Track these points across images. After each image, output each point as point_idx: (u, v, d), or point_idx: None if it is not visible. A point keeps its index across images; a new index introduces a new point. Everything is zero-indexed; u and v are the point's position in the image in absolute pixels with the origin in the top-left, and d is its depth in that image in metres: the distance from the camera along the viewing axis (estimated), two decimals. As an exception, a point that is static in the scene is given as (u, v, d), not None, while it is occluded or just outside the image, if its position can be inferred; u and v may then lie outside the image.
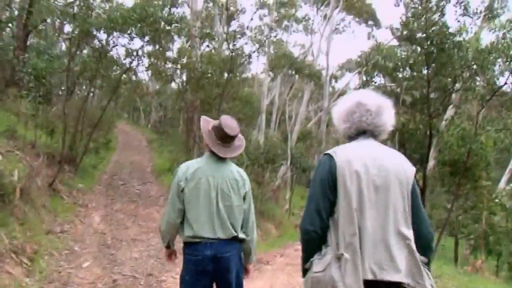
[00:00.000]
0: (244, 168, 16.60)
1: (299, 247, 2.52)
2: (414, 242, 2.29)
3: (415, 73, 11.72)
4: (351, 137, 2.50)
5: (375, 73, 15.50)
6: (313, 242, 2.35)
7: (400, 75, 12.06)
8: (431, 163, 19.71)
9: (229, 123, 3.32)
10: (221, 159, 3.31)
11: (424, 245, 2.33)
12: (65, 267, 7.18)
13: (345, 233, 2.23)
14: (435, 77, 11.39)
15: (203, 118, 3.53)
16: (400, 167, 2.34)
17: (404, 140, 12.27)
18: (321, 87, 29.25)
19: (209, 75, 14.24)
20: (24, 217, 8.01)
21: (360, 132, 2.46)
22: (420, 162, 23.44)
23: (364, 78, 16.12)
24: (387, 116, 2.47)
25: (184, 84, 16.89)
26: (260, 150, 16.87)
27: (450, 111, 14.24)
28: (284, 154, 21.11)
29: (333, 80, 37.25)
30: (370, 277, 2.18)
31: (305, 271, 2.43)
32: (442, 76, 11.36)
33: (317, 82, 24.77)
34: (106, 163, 18.27)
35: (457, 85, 11.67)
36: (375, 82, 12.96)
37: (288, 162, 21.25)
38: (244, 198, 3.33)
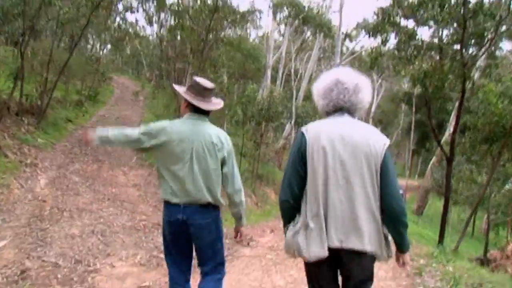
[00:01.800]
0: (240, 126, 14.65)
1: None
2: (383, 215, 2.45)
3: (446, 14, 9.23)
4: (328, 113, 2.62)
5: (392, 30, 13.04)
6: (287, 211, 2.58)
7: (425, 15, 9.62)
8: (451, 127, 17.53)
9: (202, 79, 3.30)
10: (200, 120, 3.21)
11: (392, 219, 2.46)
12: (-30, 247, 5.38)
13: (312, 204, 2.44)
14: (474, 17, 8.97)
15: (175, 86, 3.52)
16: (369, 142, 2.43)
17: (428, 97, 9.89)
18: (334, 46, 26.89)
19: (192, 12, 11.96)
20: None
21: (337, 109, 2.58)
22: (438, 127, 21.22)
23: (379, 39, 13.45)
24: (364, 94, 2.59)
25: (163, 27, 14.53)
26: (258, 107, 14.77)
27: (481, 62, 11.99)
28: (288, 113, 19.08)
29: (348, 40, 34.62)
30: (336, 244, 2.39)
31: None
32: (483, 15, 8.97)
33: (327, 34, 22.26)
34: (89, 117, 16.39)
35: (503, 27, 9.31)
36: (397, 23, 10.40)
37: (293, 121, 19.21)
38: (224, 162, 3.19)
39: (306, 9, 20.07)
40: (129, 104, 22.20)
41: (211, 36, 12.43)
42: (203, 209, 3.15)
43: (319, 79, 2.70)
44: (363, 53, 33.82)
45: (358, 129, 2.49)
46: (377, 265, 2.60)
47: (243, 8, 24.10)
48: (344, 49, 33.60)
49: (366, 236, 2.39)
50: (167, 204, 3.22)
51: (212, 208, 3.19)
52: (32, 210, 6.85)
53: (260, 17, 36.97)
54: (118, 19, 19.43)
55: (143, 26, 35.52)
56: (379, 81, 35.59)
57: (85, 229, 6.42)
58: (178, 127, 3.16)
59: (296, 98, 21.20)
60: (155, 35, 28.54)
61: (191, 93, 3.19)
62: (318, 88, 2.64)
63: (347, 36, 33.57)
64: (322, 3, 27.45)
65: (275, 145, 21.44)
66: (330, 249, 2.38)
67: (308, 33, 30.89)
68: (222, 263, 3.42)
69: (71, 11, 10.72)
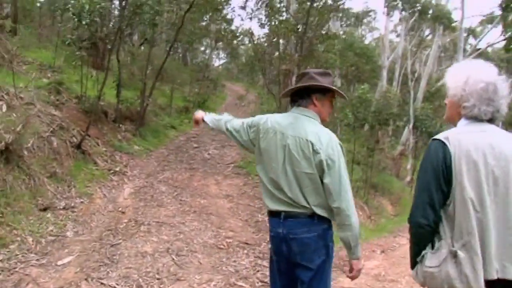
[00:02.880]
0: (352, 130, 13.32)
1: None
2: None
3: None
4: (470, 118, 2.20)
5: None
6: (426, 236, 2.17)
7: None
8: None
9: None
10: (304, 116, 2.68)
11: None
12: (32, 262, 4.86)
13: (462, 229, 2.07)
14: None
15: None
16: None
17: None
18: (455, 44, 24.40)
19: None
20: (3, 185, 5.82)
21: (493, 118, 2.21)
22: None
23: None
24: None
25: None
26: (371, 108, 13.34)
27: None
28: (406, 115, 17.31)
29: (471, 37, 31.33)
30: (493, 276, 2.05)
31: (414, 263, 2.26)
32: None
33: (447, 26, 19.98)
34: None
35: None
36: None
37: (411, 125, 17.38)
38: (323, 170, 2.52)
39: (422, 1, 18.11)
40: (239, 110, 21.80)
41: (310, 30, 11.24)
42: (307, 221, 2.60)
43: (465, 67, 2.24)
44: (489, 49, 30.39)
45: (506, 140, 2.15)
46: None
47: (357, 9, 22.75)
48: (468, 47, 30.55)
49: None
50: (269, 215, 2.78)
51: (318, 220, 2.61)
52: (108, 222, 6.26)
53: (375, 17, 35.00)
54: (225, 25, 18.98)
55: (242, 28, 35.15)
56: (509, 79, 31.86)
57: (159, 247, 5.64)
58: (276, 119, 2.77)
59: (414, 100, 19.26)
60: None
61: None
62: (474, 85, 2.14)
63: (471, 32, 30.39)
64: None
65: (392, 152, 19.67)
66: (487, 282, 2.04)
67: (427, 32, 28.55)
68: None
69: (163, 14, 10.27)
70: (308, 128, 2.62)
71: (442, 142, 2.13)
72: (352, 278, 2.73)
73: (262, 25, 13.04)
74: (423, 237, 2.18)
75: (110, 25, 10.14)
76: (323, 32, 12.36)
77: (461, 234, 2.06)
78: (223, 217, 7.04)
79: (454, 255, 2.08)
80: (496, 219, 2.06)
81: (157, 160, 9.70)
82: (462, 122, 2.22)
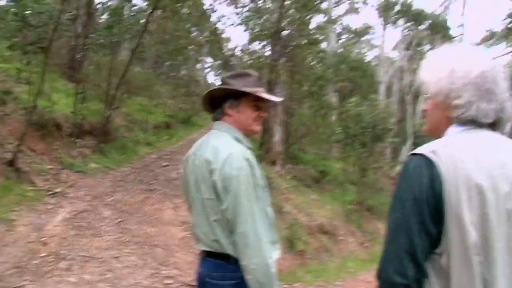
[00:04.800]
0: (345, 147, 12.07)
1: None
2: None
3: None
4: (464, 123, 1.48)
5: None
6: None
7: None
8: None
9: None
10: (215, 130, 2.22)
11: None
12: None
13: None
14: None
15: None
16: None
17: None
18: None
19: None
20: None
21: (496, 121, 1.49)
22: None
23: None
24: None
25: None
26: (362, 124, 12.19)
27: None
28: (405, 133, 16.16)
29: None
30: None
31: None
32: None
33: (445, 35, 18.95)
34: (175, 141, 15.02)
35: None
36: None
37: (410, 142, 16.21)
38: (218, 193, 2.02)
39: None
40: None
41: (285, 25, 10.08)
42: (222, 264, 2.06)
43: (447, 53, 1.52)
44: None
45: None
46: None
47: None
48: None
49: None
50: None
51: (234, 265, 2.02)
52: (20, 257, 5.06)
53: (374, 33, 34.10)
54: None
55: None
56: None
57: (73, 291, 4.45)
58: (198, 141, 2.30)
59: (413, 116, 18.13)
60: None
61: None
62: (466, 74, 1.43)
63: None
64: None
65: (390, 171, 18.48)
66: None
67: (427, 47, 27.68)
68: None
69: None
70: (210, 143, 2.15)
71: (427, 158, 1.42)
72: None
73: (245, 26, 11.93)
74: None
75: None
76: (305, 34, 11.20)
77: None
78: (170, 250, 5.85)
79: None
80: (508, 273, 1.36)
81: (113, 180, 8.51)
82: (453, 130, 1.50)
